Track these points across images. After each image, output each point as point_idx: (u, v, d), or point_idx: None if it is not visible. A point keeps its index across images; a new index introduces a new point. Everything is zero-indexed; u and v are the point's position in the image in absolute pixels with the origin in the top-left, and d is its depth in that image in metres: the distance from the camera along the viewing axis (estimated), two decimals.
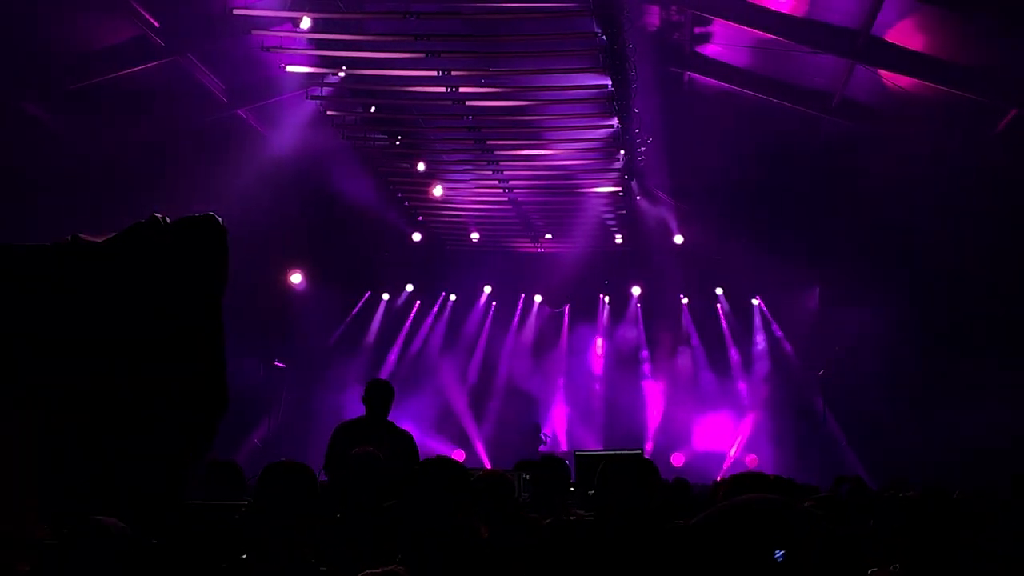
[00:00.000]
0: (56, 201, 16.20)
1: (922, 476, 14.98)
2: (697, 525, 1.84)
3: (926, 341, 20.68)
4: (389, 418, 10.17)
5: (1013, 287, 19.30)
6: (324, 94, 19.25)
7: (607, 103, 18.60)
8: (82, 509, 2.33)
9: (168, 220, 2.69)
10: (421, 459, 10.05)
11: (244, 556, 4.52)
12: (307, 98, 19.17)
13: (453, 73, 17.91)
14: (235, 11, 15.91)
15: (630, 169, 22.04)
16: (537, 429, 26.12)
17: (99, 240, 2.63)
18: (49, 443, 2.33)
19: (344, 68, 17.87)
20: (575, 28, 16.55)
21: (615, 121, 19.24)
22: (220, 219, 2.77)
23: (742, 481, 5.91)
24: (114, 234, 2.71)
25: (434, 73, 17.91)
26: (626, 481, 5.42)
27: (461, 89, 18.63)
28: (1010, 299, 19.36)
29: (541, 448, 25.95)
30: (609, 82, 17.64)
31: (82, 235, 2.75)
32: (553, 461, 8.01)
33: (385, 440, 9.67)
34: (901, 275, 21.22)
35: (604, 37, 15.98)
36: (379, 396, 9.98)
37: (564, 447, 26.02)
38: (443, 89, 18.55)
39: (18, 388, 2.52)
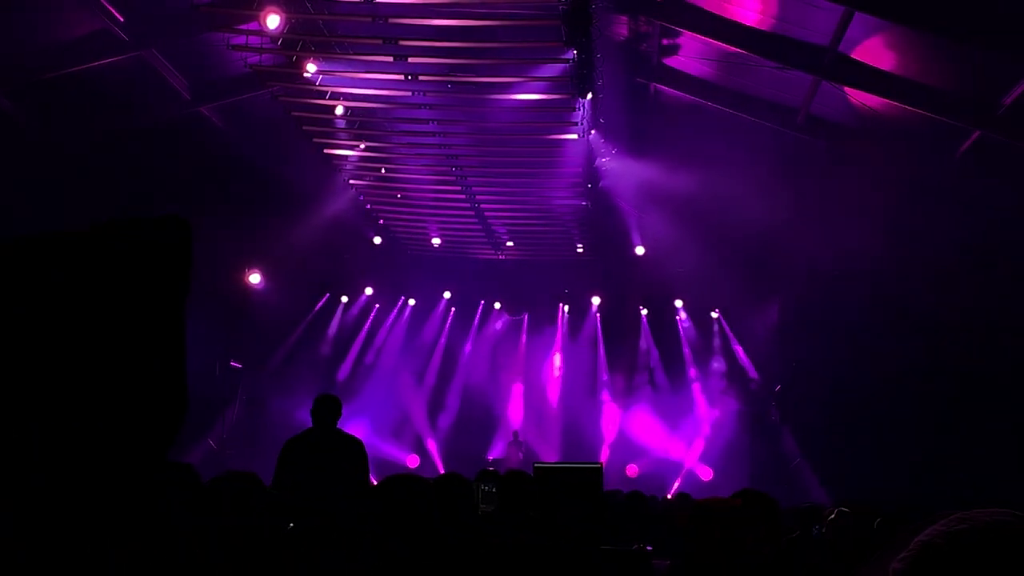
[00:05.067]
0: (13, 192, 16.03)
1: (872, 494, 15.08)
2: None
3: (882, 360, 20.71)
4: (339, 425, 10.13)
5: (970, 310, 19.34)
6: (289, 95, 19.14)
7: (573, 111, 18.64)
8: (32, 513, 2.24)
9: (130, 217, 2.59)
10: (375, 465, 10.03)
11: None
12: (272, 98, 19.02)
13: (420, 78, 17.95)
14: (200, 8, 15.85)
15: (593, 178, 22.06)
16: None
17: (58, 236, 2.54)
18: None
19: (310, 68, 17.74)
20: (543, 34, 16.55)
21: (580, 129, 19.27)
22: (184, 219, 2.69)
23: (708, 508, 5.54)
24: (74, 230, 2.62)
25: (400, 77, 17.91)
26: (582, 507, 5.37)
27: (427, 94, 18.64)
28: (965, 322, 19.39)
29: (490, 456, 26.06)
30: (576, 92, 17.65)
31: (40, 231, 2.65)
32: (519, 475, 7.94)
33: (336, 450, 9.69)
34: (859, 292, 21.22)
35: (573, 50, 15.98)
36: (327, 411, 9.95)
37: (519, 455, 25.93)
38: (408, 93, 18.56)
39: None
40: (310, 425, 10.23)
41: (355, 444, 9.88)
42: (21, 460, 2.23)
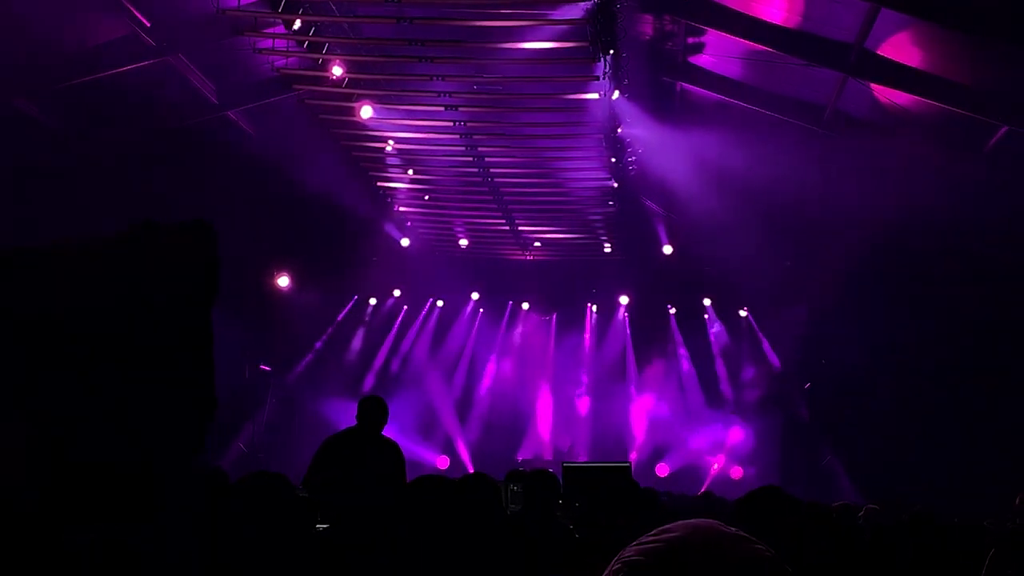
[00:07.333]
0: (45, 198, 16.12)
1: (907, 491, 15.05)
2: None
3: (915, 358, 20.63)
4: None
5: (994, 303, 19.26)
6: (315, 98, 19.19)
7: (599, 110, 18.66)
8: (63, 518, 2.28)
9: (159, 223, 2.62)
10: (406, 465, 9.98)
11: None
12: (299, 101, 19.08)
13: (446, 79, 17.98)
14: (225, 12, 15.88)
15: (620, 178, 22.03)
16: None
17: (89, 240, 2.57)
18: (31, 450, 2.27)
19: (335, 70, 17.77)
20: (569, 34, 16.56)
21: (607, 127, 19.30)
22: (211, 224, 2.71)
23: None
24: (104, 235, 2.65)
25: (427, 77, 17.94)
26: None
27: (453, 95, 18.68)
28: (1000, 319, 19.31)
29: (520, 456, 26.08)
30: (602, 90, 17.66)
31: (71, 236, 2.68)
32: (544, 474, 7.92)
33: (374, 452, 9.62)
34: (886, 290, 21.16)
35: (601, 51, 16.01)
36: (374, 413, 9.79)
37: (548, 456, 25.95)
38: (436, 94, 18.60)
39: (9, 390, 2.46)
40: (340, 426, 10.22)
41: (392, 447, 9.79)
42: (53, 459, 2.27)
